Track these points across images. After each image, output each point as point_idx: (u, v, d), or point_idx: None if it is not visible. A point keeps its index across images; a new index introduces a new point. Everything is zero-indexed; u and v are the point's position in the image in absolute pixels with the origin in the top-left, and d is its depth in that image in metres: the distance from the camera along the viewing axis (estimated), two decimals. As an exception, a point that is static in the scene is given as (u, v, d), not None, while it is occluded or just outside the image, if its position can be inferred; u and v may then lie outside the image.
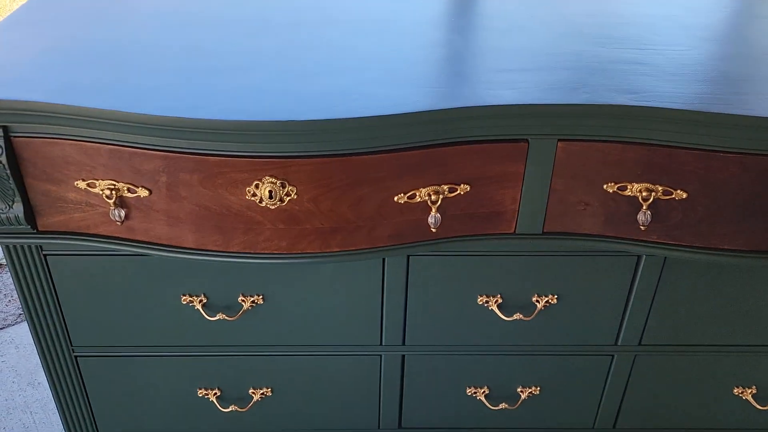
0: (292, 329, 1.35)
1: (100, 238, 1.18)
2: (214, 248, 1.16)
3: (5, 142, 1.08)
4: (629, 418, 1.51)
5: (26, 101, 1.06)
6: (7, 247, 1.22)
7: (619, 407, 1.49)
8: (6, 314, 2.47)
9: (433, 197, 1.13)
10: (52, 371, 1.38)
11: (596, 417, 1.51)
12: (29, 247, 1.22)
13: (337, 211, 1.12)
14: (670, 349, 1.39)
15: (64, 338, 1.34)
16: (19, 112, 1.07)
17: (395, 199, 1.12)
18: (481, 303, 1.32)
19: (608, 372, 1.43)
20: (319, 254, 1.17)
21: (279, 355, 1.39)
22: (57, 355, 1.35)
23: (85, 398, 1.43)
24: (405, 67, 1.19)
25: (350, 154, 1.07)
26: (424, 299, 1.31)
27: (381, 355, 1.39)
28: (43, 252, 1.24)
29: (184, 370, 1.40)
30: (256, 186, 1.08)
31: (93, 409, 1.45)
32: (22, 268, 1.24)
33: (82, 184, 1.13)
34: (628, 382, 1.44)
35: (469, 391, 1.45)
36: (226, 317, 1.30)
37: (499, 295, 1.31)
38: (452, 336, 1.37)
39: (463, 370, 1.42)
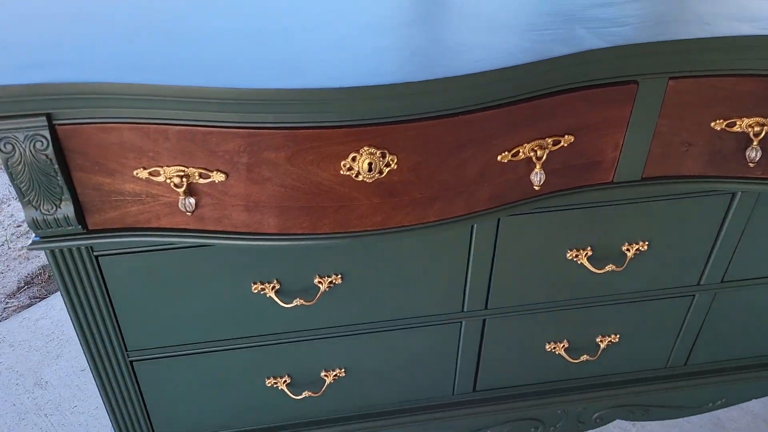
0: (369, 306, 1.24)
1: (163, 232, 1.04)
2: (300, 231, 1.03)
3: (50, 133, 0.91)
4: (700, 355, 1.49)
5: (74, 83, 0.89)
6: (53, 251, 1.06)
7: (693, 345, 1.46)
8: (-12, 309, 2.26)
9: (538, 152, 1.03)
10: (104, 379, 1.23)
11: (669, 357, 1.48)
12: (78, 249, 1.06)
13: (438, 179, 1.01)
14: (749, 282, 1.36)
15: (118, 343, 1.19)
16: (65, 96, 0.89)
17: (499, 158, 1.02)
18: (570, 258, 1.24)
19: (687, 312, 1.39)
20: (415, 226, 1.06)
21: (353, 335, 1.28)
22: (110, 362, 1.21)
23: (141, 401, 1.29)
24: (496, 11, 1.07)
25: (458, 114, 0.95)
26: (511, 259, 1.23)
27: (461, 322, 1.31)
28: (95, 253, 1.08)
29: (251, 362, 1.28)
30: (353, 159, 0.95)
31: (149, 412, 1.32)
32: (70, 273, 1.08)
33: (143, 173, 0.97)
34: (705, 319, 1.41)
35: (549, 347, 1.39)
36: (304, 302, 1.18)
37: (589, 248, 1.24)
38: (536, 294, 1.29)
39: (543, 327, 1.36)
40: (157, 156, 0.96)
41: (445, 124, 0.95)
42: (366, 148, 0.95)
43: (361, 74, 0.91)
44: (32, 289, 2.35)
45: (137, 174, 0.97)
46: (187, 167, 0.96)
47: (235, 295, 1.18)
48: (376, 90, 0.89)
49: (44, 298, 2.31)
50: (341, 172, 0.97)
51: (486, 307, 1.30)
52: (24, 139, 0.90)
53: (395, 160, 0.97)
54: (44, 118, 0.90)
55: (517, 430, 1.52)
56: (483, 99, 0.95)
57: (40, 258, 2.47)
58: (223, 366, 1.28)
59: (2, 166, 1.03)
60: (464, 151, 0.99)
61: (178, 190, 0.97)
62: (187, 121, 0.92)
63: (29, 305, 2.28)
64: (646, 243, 1.25)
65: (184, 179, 0.97)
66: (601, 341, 1.40)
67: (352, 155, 0.95)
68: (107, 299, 1.13)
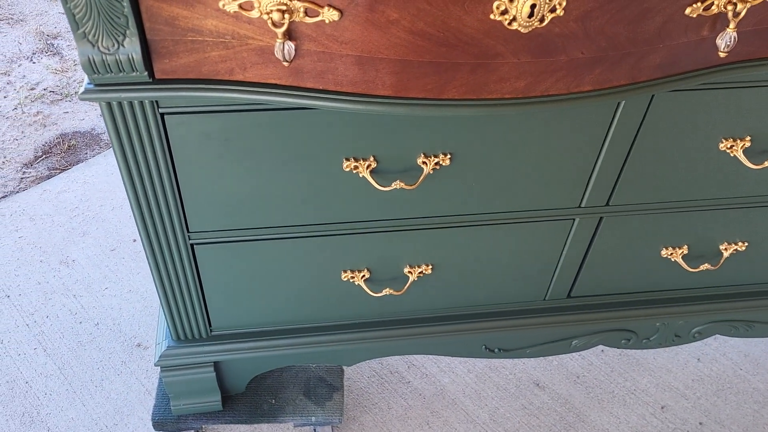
0: (476, 195, 1.05)
1: (249, 87, 0.82)
2: (421, 95, 0.82)
3: (116, -61, 0.68)
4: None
5: None
6: (109, 104, 0.84)
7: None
8: (4, 179, 2.06)
9: (738, 6, 0.79)
10: (159, 262, 1.05)
11: (792, 268, 1.31)
12: (140, 103, 0.85)
13: (608, 33, 0.79)
14: None
15: (180, 222, 1.00)
16: None
17: (687, 11, 0.79)
18: (723, 149, 1.03)
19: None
20: (564, 96, 0.85)
21: (449, 227, 1.09)
22: (169, 243, 1.02)
23: (199, 291, 1.12)
24: None
25: (656, -56, 0.72)
26: (653, 147, 1.02)
27: (574, 219, 1.12)
28: (160, 109, 0.86)
29: (328, 252, 1.10)
30: (511, -1, 0.72)
31: (207, 304, 1.15)
32: (129, 133, 0.87)
33: (231, 5, 0.74)
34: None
35: (665, 252, 1.21)
36: (404, 185, 0.98)
37: (748, 138, 1.03)
38: (670, 191, 1.10)
39: (664, 230, 1.17)
40: (253, -18, 0.72)
41: (638, -43, 0.72)
42: (532, -15, 0.72)
43: None
44: (51, 160, 2.15)
45: (224, 6, 0.74)
46: (291, 0, 0.73)
47: (321, 173, 0.97)
48: None
49: (65, 169, 2.11)
50: (491, 17, 0.74)
51: (607, 204, 1.10)
52: (81, -55, 0.67)
53: (563, 4, 0.74)
54: None
55: (607, 341, 1.37)
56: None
57: (58, 126, 2.25)
58: (296, 255, 1.09)
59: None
60: (648, -1, 0.76)
61: (277, 30, 0.75)
62: (298, -68, 0.69)
63: (48, 177, 2.08)
64: (815, 136, 1.04)
65: (286, 15, 0.74)
66: (725, 249, 1.22)
67: (511, -7, 0.72)
68: (171, 169, 0.93)
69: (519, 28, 0.75)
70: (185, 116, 0.88)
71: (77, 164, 2.13)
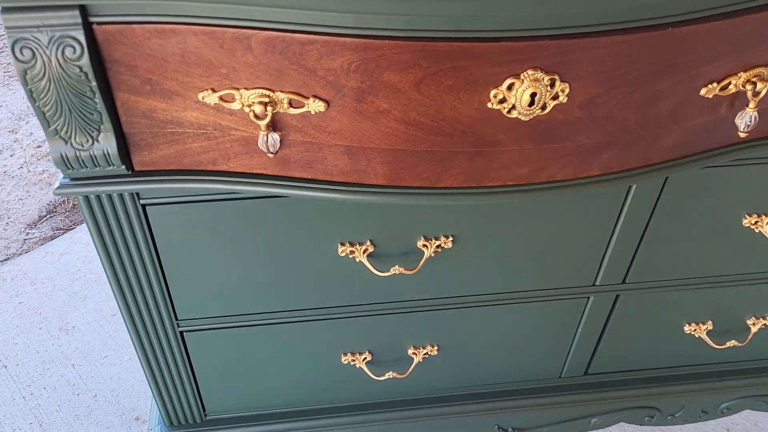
0: (482, 276, 0.98)
1: (233, 178, 0.77)
2: (417, 183, 0.76)
3: (86, 35, 0.63)
4: None
5: (120, -41, 0.61)
6: (87, 197, 0.80)
7: None
8: (7, 240, 2.03)
9: (758, 85, 0.74)
10: (148, 351, 1.00)
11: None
12: (120, 196, 0.80)
13: (616, 118, 0.73)
14: None
15: (168, 312, 0.95)
16: (106, -21, 0.61)
17: (702, 92, 0.73)
18: (747, 225, 0.97)
19: None
20: (570, 182, 0.79)
21: (454, 308, 1.03)
22: (157, 332, 0.97)
23: (191, 378, 1.06)
24: None
25: (666, 26, 0.66)
26: (670, 225, 0.96)
27: (588, 297, 1.05)
28: (141, 201, 0.82)
29: (327, 335, 1.04)
30: (509, 87, 0.67)
31: (200, 390, 1.09)
32: (109, 226, 0.83)
33: (211, 97, 0.70)
34: None
35: (689, 328, 1.13)
36: (404, 270, 0.92)
37: (774, 213, 0.96)
38: (689, 267, 1.03)
39: (686, 305, 1.10)
40: (233, 74, 0.68)
41: (647, 41, 0.66)
42: (530, 72, 0.66)
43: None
44: (55, 219, 2.12)
45: (204, 98, 0.70)
46: (274, 91, 0.69)
47: (314, 258, 0.92)
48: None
49: (69, 229, 2.08)
50: (489, 105, 0.69)
51: (624, 281, 1.03)
52: (49, 43, 0.63)
53: (566, 91, 0.68)
54: (77, 11, 0.62)
55: (629, 418, 1.28)
56: (707, 3, 0.66)
57: (64, 184, 2.22)
58: (292, 340, 1.03)
59: (19, 80, 0.77)
60: (660, 81, 0.71)
61: (260, 122, 0.70)
62: (277, 24, 0.64)
63: (52, 237, 2.05)
64: None
65: (269, 107, 0.69)
66: (753, 324, 1.14)
67: (508, 81, 0.67)
68: (156, 260, 0.88)
69: (519, 116, 0.70)
70: (169, 206, 0.83)
71: (81, 223, 2.09)
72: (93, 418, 1.55)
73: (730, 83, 0.74)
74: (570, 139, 0.74)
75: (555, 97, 0.69)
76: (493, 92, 0.68)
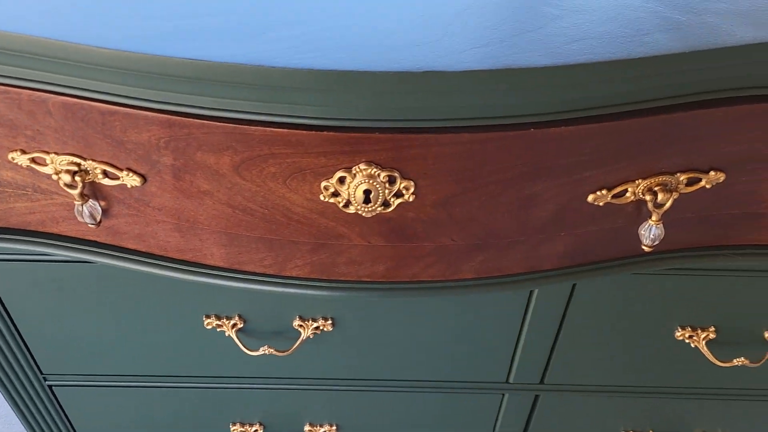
0: (369, 362, 0.88)
1: (63, 242, 0.70)
2: (260, 270, 0.67)
3: None
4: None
5: None
6: None
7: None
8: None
9: (659, 196, 0.61)
10: (22, 407, 0.94)
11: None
12: (-51, 250, 0.74)
13: (482, 220, 0.62)
14: None
15: (30, 366, 0.88)
16: None
17: (590, 198, 0.61)
18: (681, 338, 0.83)
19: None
20: (440, 283, 0.68)
21: (346, 390, 0.93)
22: (24, 387, 0.91)
23: (69, 429, 1.00)
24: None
25: (527, 125, 0.55)
26: (589, 328, 0.83)
27: (503, 394, 0.94)
28: (-24, 257, 0.75)
29: (209, 402, 0.95)
30: (340, 180, 0.57)
31: (84, 441, 1.03)
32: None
33: (21, 159, 0.62)
34: None
35: (625, 436, 1.00)
36: (275, 351, 0.82)
37: (712, 328, 0.82)
38: (620, 374, 0.90)
39: (617, 412, 0.97)
40: (40, 136, 0.60)
41: (505, 141, 0.55)
42: (363, 167, 0.56)
43: (368, 38, 0.51)
44: None
45: (13, 159, 0.62)
46: (85, 159, 0.61)
47: (178, 327, 0.84)
48: (383, 79, 0.49)
49: None
50: (321, 198, 0.59)
51: (542, 382, 0.91)
52: None
53: (411, 190, 0.58)
54: None
55: None
56: (581, 104, 0.54)
57: None
58: (171, 404, 0.95)
59: None
60: (533, 184, 0.59)
61: (71, 191, 0.62)
62: (74, 90, 0.56)
63: None
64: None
65: (79, 176, 0.61)
66: (701, 439, 1.00)
67: (339, 175, 0.57)
68: (8, 317, 0.81)
69: (359, 212, 0.60)
70: (10, 264, 0.76)
71: None
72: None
73: (626, 190, 0.62)
74: (429, 240, 0.63)
75: (398, 195, 0.58)
76: (323, 184, 0.58)
